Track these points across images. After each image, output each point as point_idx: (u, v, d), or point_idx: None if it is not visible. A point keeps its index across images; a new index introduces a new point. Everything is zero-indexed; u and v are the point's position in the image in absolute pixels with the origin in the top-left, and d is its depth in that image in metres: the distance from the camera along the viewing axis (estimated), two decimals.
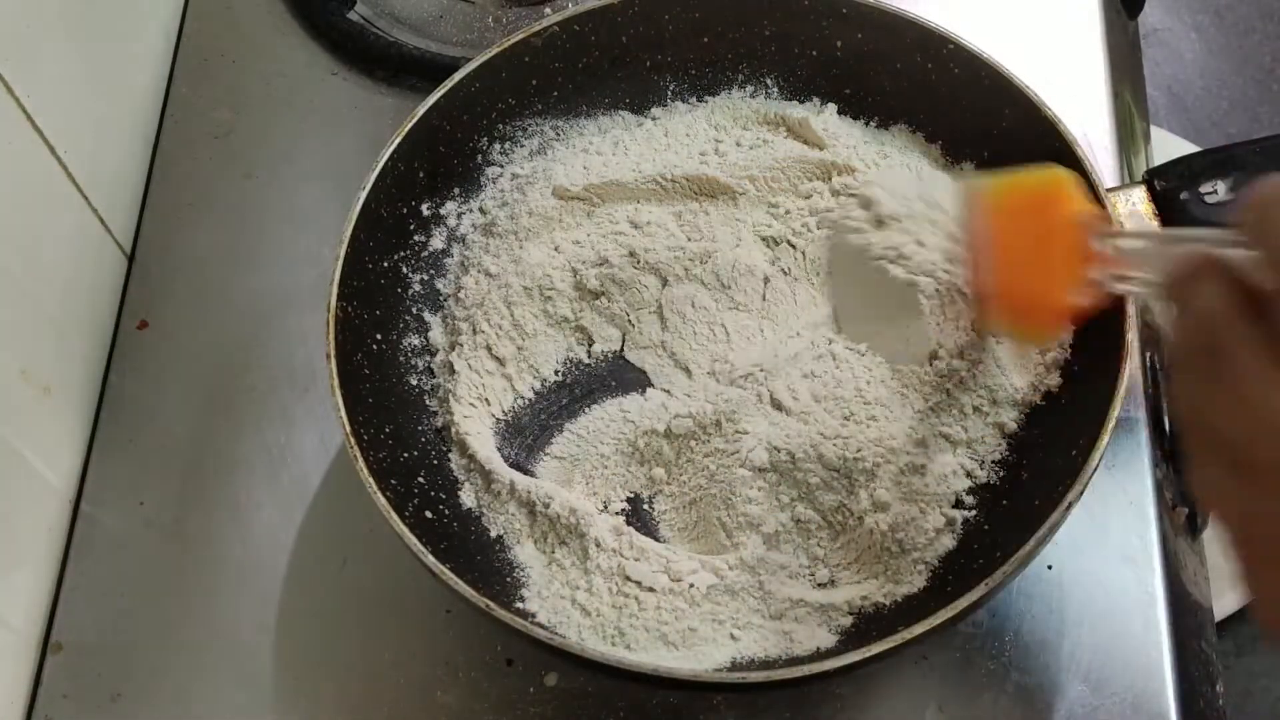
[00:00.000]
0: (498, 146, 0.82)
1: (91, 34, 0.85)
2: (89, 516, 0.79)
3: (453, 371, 0.76)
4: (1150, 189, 0.72)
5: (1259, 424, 0.43)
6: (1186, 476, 0.48)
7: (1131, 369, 0.66)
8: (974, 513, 0.70)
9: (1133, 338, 0.67)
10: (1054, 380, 0.72)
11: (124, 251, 0.87)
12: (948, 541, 0.69)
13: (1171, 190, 0.71)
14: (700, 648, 0.67)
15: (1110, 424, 0.64)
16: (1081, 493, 0.63)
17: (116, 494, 0.80)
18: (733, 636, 0.67)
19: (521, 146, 0.83)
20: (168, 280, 0.87)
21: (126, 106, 0.90)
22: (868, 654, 0.61)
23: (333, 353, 0.70)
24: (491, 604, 0.63)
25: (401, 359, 0.77)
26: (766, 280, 0.78)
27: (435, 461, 0.74)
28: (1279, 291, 0.44)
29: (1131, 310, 0.67)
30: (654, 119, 0.84)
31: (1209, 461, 0.46)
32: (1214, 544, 0.84)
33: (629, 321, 0.78)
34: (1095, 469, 0.63)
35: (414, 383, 0.76)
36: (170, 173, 0.91)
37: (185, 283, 0.87)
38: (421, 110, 0.77)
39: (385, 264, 0.77)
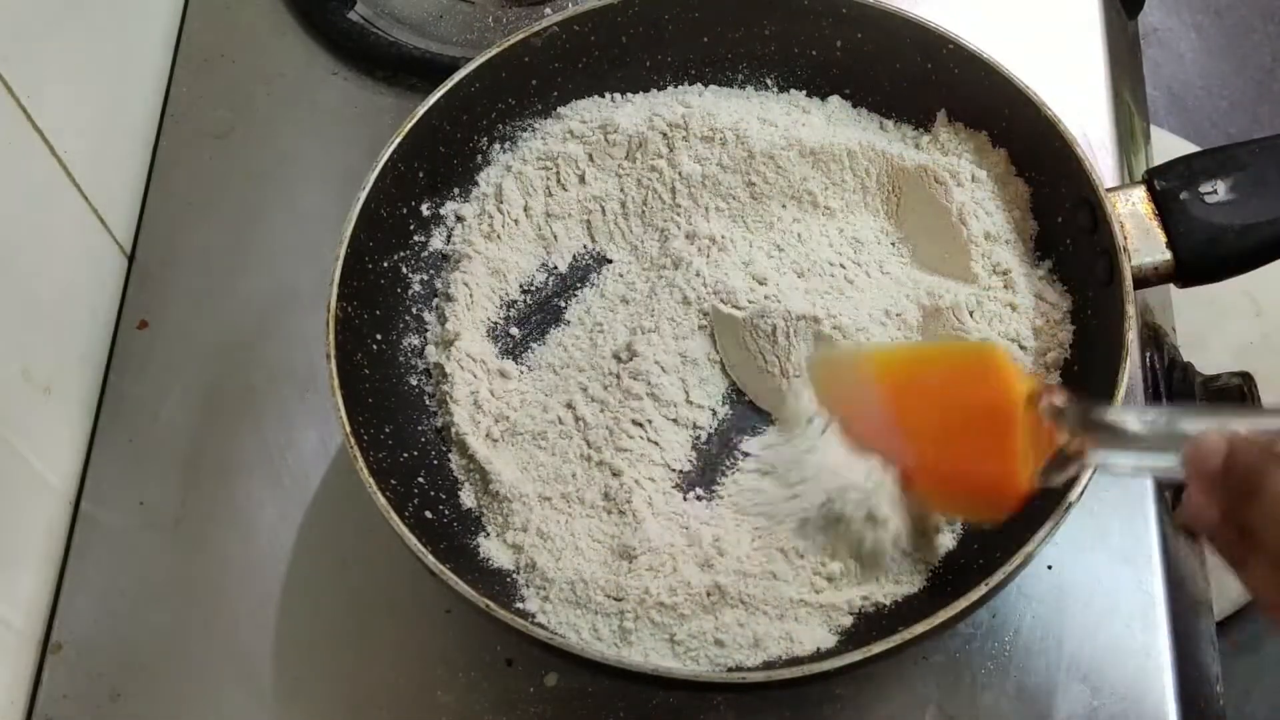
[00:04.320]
0: (498, 146, 0.82)
1: (91, 34, 0.85)
2: (89, 516, 0.79)
3: (445, 374, 0.76)
4: (1150, 189, 0.72)
5: None
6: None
7: (1131, 369, 0.66)
8: None
9: (1133, 338, 0.66)
10: (1054, 381, 0.72)
11: (124, 251, 0.87)
12: (948, 541, 0.69)
13: (1171, 190, 0.71)
14: (701, 647, 0.67)
15: None
16: (1082, 493, 0.63)
17: (116, 494, 0.80)
18: (733, 636, 0.67)
19: (521, 146, 0.83)
20: (168, 280, 0.87)
21: (126, 106, 0.90)
22: (868, 654, 0.61)
23: (332, 353, 0.70)
24: (491, 604, 0.63)
25: (401, 359, 0.77)
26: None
27: (435, 461, 0.74)
28: None
29: (1131, 311, 0.67)
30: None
31: None
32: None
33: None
34: (1095, 469, 0.63)
35: (414, 383, 0.76)
36: (170, 173, 0.91)
37: (185, 283, 0.87)
38: (421, 110, 0.77)
39: (385, 264, 0.77)
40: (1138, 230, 0.71)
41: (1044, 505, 0.63)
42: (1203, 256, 0.71)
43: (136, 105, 0.91)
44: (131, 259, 0.88)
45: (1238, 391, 0.76)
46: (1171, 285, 0.73)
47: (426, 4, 0.96)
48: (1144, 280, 0.71)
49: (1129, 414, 0.56)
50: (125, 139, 0.90)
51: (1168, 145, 1.21)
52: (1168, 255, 0.71)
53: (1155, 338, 0.82)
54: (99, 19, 0.86)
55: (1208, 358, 0.86)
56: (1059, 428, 0.56)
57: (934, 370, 0.64)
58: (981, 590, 0.61)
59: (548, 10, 0.94)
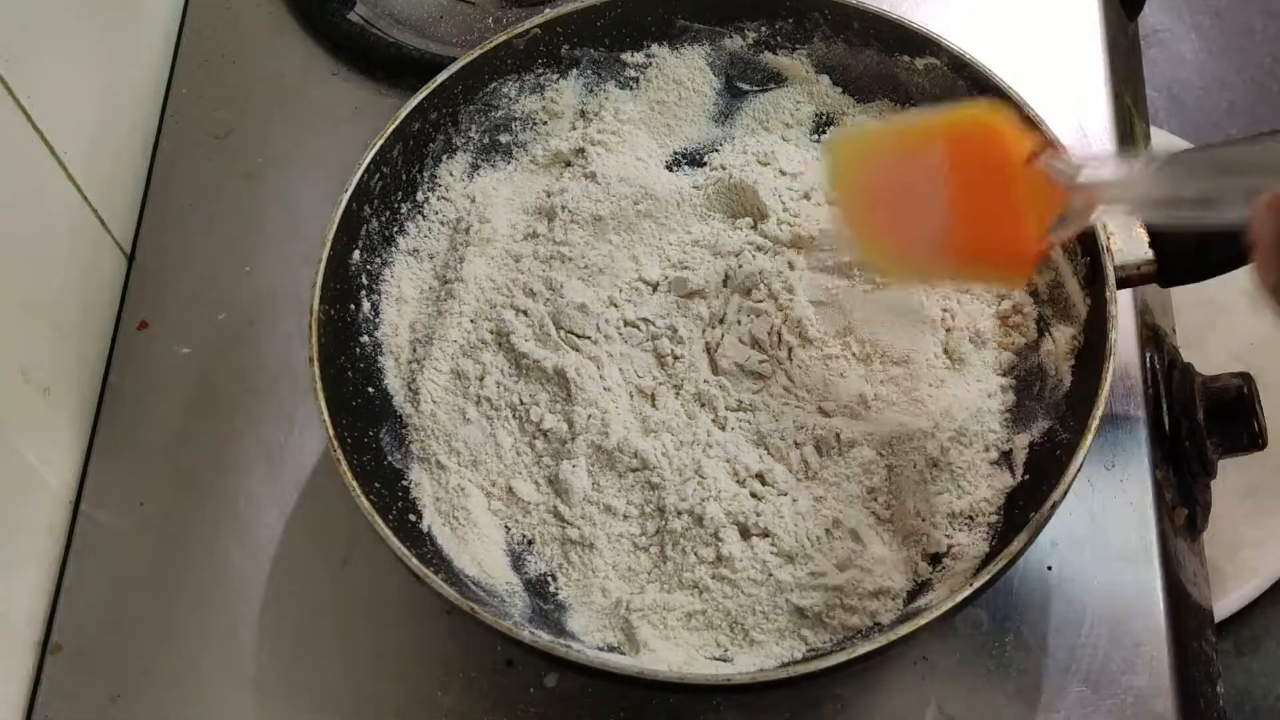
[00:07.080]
0: None
1: (91, 34, 0.85)
2: (89, 516, 0.80)
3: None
4: None
5: None
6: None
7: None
8: None
9: (1115, 338, 0.66)
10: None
11: (124, 251, 0.87)
12: (940, 543, 0.69)
13: None
14: (702, 647, 0.67)
15: (1092, 428, 0.64)
16: (1065, 493, 0.63)
17: (116, 494, 0.80)
18: (732, 638, 0.67)
19: None
20: (168, 280, 0.87)
21: (126, 106, 0.90)
22: (851, 655, 0.61)
23: (315, 356, 0.69)
24: (476, 608, 0.63)
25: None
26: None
27: None
28: None
29: (1114, 311, 0.67)
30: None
31: None
32: (1214, 544, 0.83)
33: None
34: (1077, 471, 0.63)
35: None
36: (170, 173, 0.91)
37: (185, 283, 0.87)
38: (404, 112, 0.77)
39: (370, 266, 0.77)
40: (1121, 230, 0.71)
41: (1029, 508, 0.63)
42: (1185, 256, 0.70)
43: (136, 105, 0.91)
44: (131, 259, 0.88)
45: (1238, 392, 0.76)
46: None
47: (426, 5, 0.96)
48: (1126, 280, 0.70)
49: (1125, 167, 0.60)
50: (125, 139, 0.90)
51: (1168, 146, 1.21)
52: (1150, 255, 0.71)
53: (1155, 338, 0.82)
54: (99, 19, 0.87)
55: (1208, 358, 0.86)
56: (1061, 184, 0.59)
57: (935, 141, 0.64)
58: (967, 590, 0.61)
59: (548, 11, 0.93)
